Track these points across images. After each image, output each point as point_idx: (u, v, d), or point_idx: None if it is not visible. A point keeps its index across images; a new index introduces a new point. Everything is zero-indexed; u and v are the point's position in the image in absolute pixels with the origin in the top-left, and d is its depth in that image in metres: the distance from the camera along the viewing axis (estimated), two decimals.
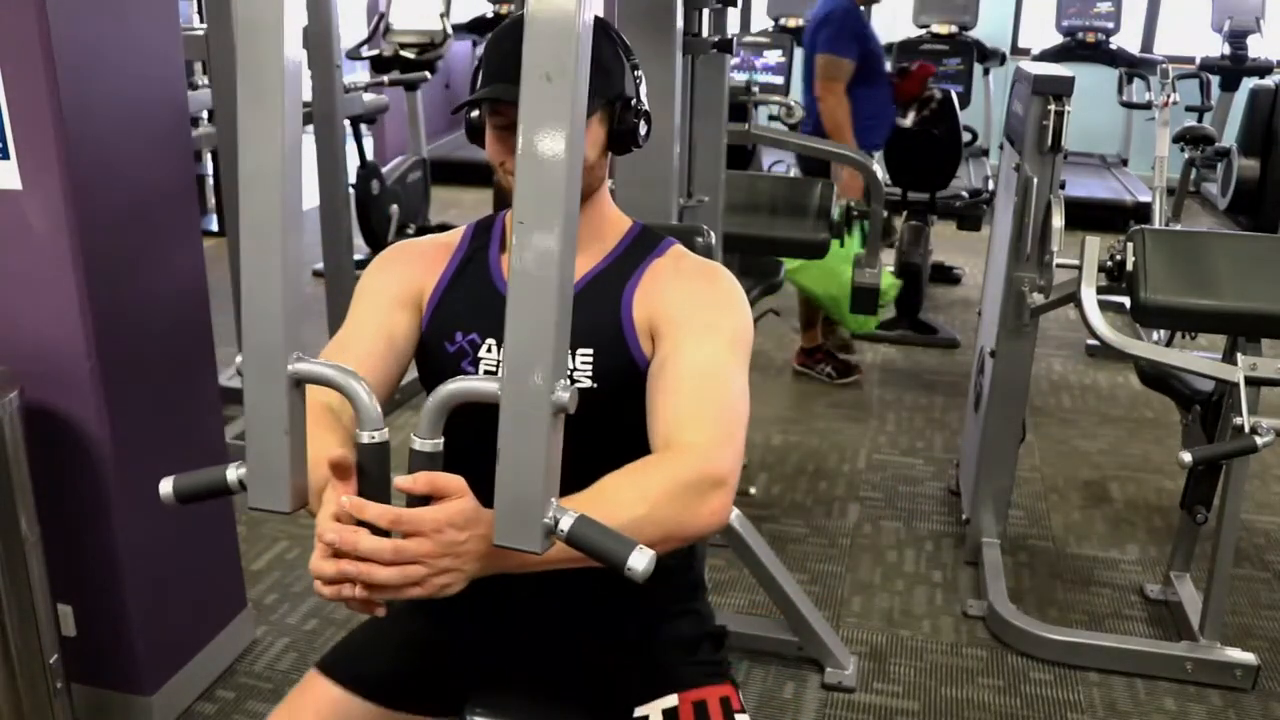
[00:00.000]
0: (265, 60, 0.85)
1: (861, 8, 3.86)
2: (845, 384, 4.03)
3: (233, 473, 0.95)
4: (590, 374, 1.24)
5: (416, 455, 0.90)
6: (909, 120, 4.23)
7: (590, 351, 1.24)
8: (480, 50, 1.27)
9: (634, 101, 1.25)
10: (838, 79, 3.77)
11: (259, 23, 0.84)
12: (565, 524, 0.87)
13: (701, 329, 1.21)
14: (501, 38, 1.22)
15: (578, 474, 1.26)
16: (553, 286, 0.82)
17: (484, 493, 1.23)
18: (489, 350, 1.27)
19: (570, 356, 1.23)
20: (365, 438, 0.90)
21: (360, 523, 0.89)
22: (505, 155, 1.22)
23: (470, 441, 1.26)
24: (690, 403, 1.14)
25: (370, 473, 0.91)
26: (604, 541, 0.87)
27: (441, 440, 0.90)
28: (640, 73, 1.28)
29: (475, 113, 1.26)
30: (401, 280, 1.31)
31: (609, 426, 1.23)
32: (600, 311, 1.25)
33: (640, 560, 0.86)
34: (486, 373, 1.26)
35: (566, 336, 0.85)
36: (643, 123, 1.26)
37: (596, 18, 1.18)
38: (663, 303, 1.24)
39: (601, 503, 0.93)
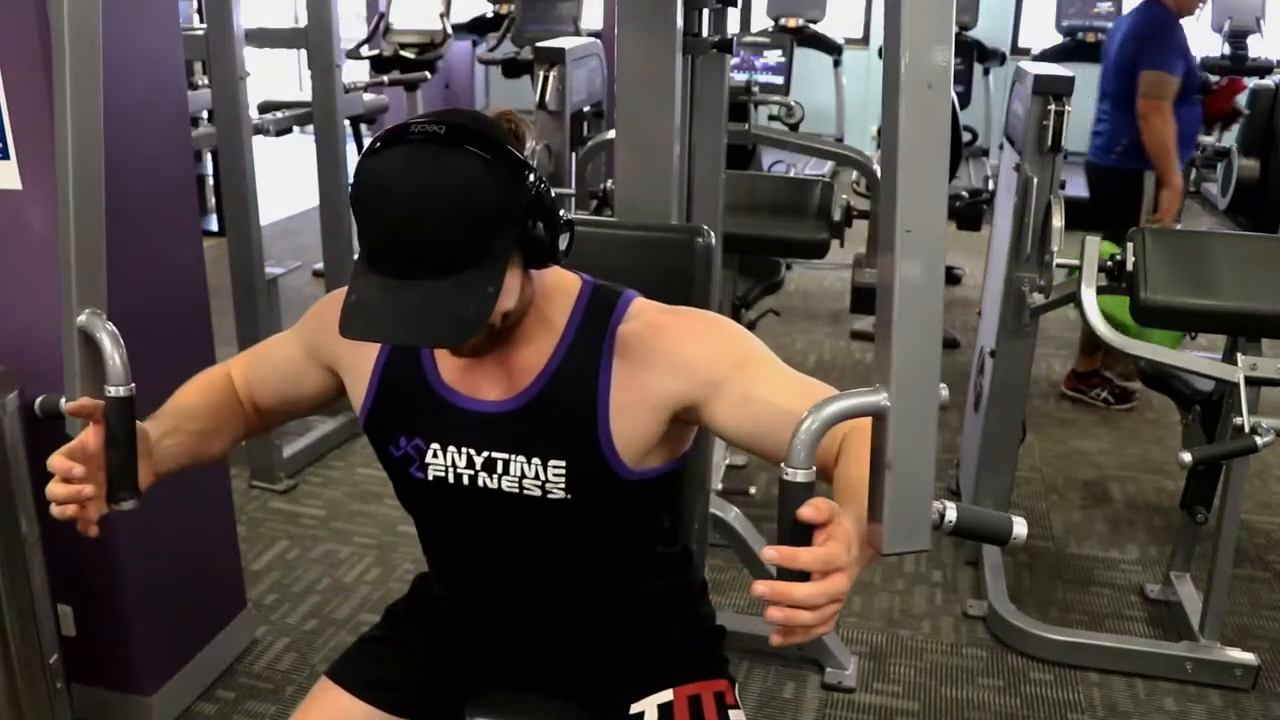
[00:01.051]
0: (63, 19, 1.01)
1: (1179, 19, 3.62)
2: (1123, 409, 3.87)
3: (64, 402, 1.12)
4: (563, 485, 1.17)
5: (791, 486, 0.84)
6: (1213, 137, 4.04)
7: (562, 464, 1.16)
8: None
9: (541, 224, 1.07)
10: (1165, 97, 3.48)
11: None
12: (951, 515, 0.87)
13: (739, 365, 1.13)
14: (376, 212, 1.04)
15: (555, 578, 1.27)
16: (936, 295, 0.82)
17: (492, 579, 1.24)
18: (434, 455, 1.20)
19: (542, 468, 1.17)
20: (111, 391, 1.07)
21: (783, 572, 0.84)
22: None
23: (459, 532, 1.27)
24: (801, 409, 0.97)
25: (113, 422, 1.07)
26: (986, 522, 0.91)
27: (814, 470, 0.84)
28: (544, 183, 1.10)
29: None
30: (329, 342, 1.22)
31: (585, 535, 1.23)
32: (569, 421, 1.16)
33: (1021, 529, 0.90)
34: (436, 478, 1.21)
35: (940, 334, 0.84)
36: (560, 235, 1.10)
37: (476, 138, 1.04)
38: (671, 382, 1.14)
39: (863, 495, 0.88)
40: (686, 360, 1.14)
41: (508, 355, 1.18)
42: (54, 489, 1.07)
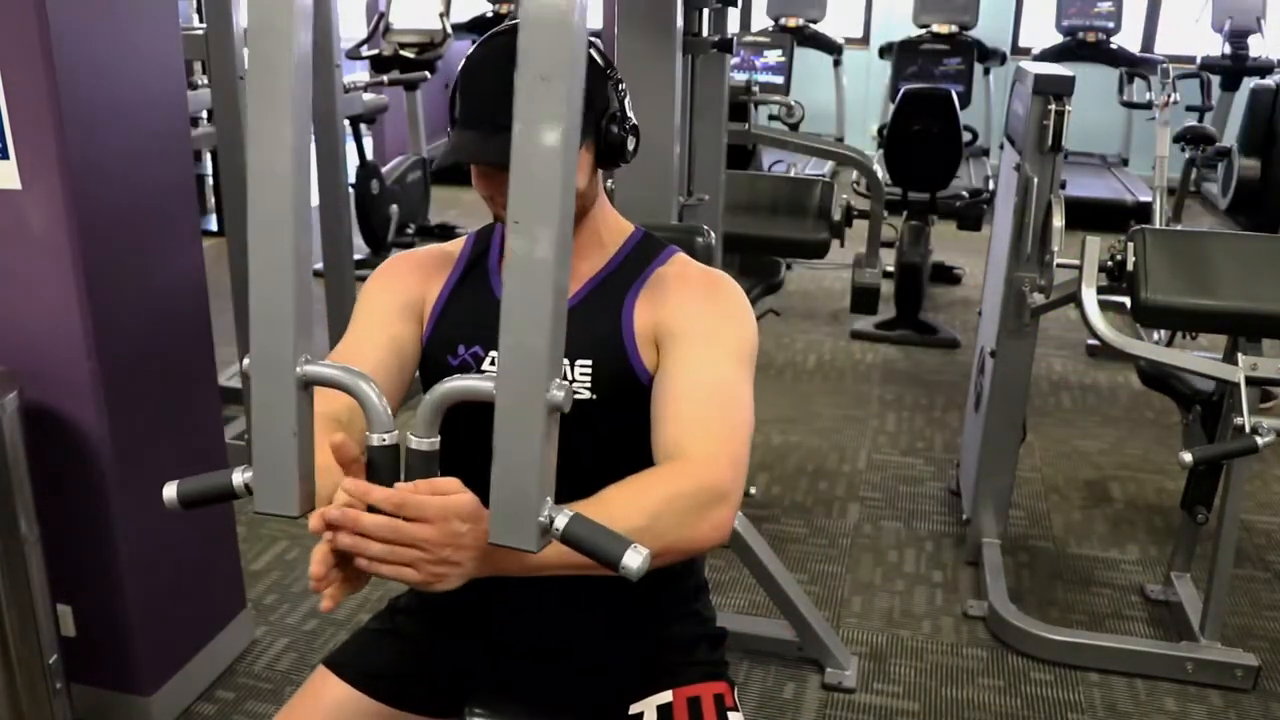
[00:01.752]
0: (275, 61, 0.84)
1: None
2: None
3: (239, 476, 0.95)
4: (589, 385, 1.23)
5: (413, 454, 0.90)
6: None
7: (589, 363, 1.23)
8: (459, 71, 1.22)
9: (620, 115, 1.21)
10: None
11: (270, 24, 0.84)
12: (560, 522, 0.87)
13: (706, 340, 1.20)
14: (474, 74, 1.17)
15: (578, 485, 1.26)
16: (547, 285, 0.82)
17: (483, 494, 1.24)
18: (492, 363, 1.25)
19: (570, 367, 1.22)
20: (375, 440, 0.90)
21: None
22: (492, 190, 1.19)
23: (469, 444, 1.27)
24: (694, 414, 1.13)
25: (382, 474, 0.91)
26: (598, 539, 0.87)
27: (438, 439, 0.90)
28: (624, 86, 1.24)
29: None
30: (403, 291, 1.31)
31: (608, 438, 1.23)
32: (600, 322, 1.24)
33: (634, 559, 0.86)
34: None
35: (562, 335, 0.85)
36: (630, 137, 1.23)
37: None
38: (666, 313, 1.23)
39: (600, 512, 0.92)
40: (679, 306, 1.23)
41: None
42: (326, 562, 0.92)
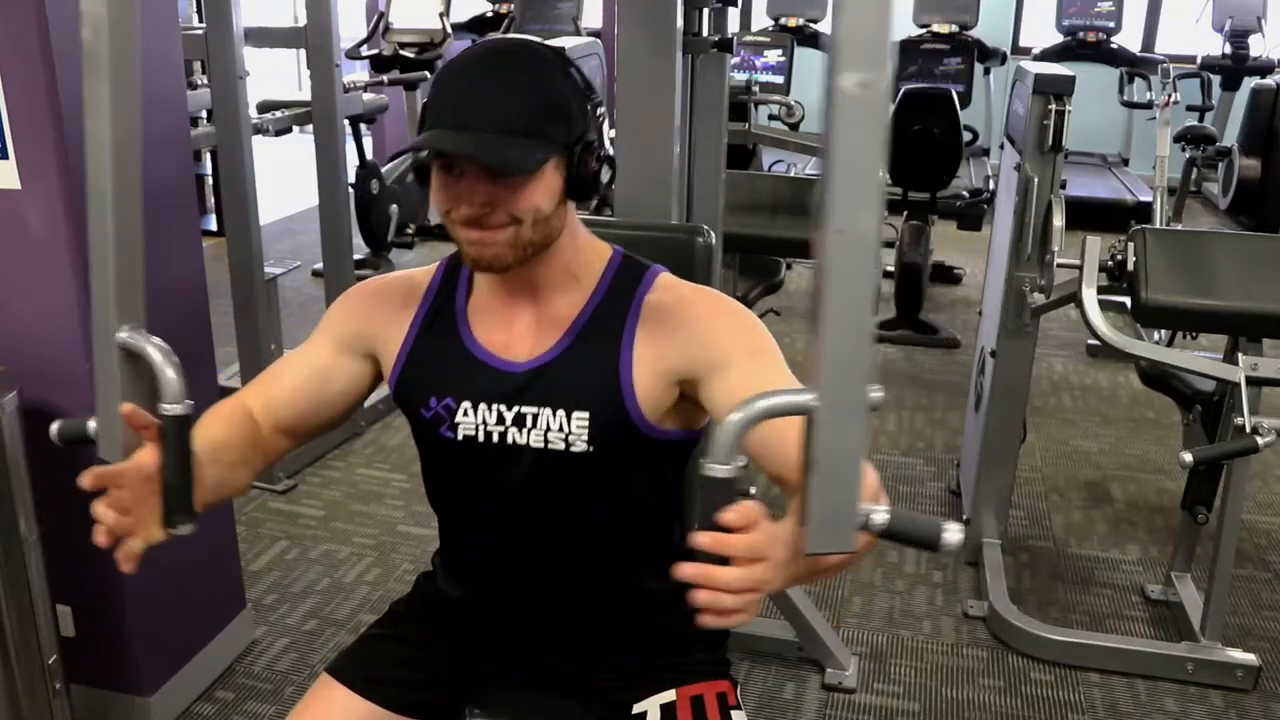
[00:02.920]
0: (101, 32, 0.92)
1: None
2: None
3: (91, 424, 1.07)
4: (586, 437, 1.19)
5: (712, 481, 0.85)
6: None
7: (585, 415, 1.19)
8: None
9: (595, 145, 1.15)
10: None
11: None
12: (878, 519, 0.85)
13: (751, 356, 1.15)
14: (451, 77, 1.13)
15: (573, 538, 1.27)
16: (866, 292, 0.79)
17: (507, 555, 1.23)
18: (465, 414, 1.22)
19: (566, 419, 1.19)
20: (166, 409, 1.01)
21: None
22: (452, 203, 1.12)
23: (481, 503, 1.27)
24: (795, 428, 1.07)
25: (171, 441, 1.02)
26: (916, 527, 0.87)
27: (742, 463, 0.85)
28: (603, 112, 1.19)
29: (424, 152, 1.16)
30: (359, 325, 1.28)
31: (606, 490, 1.24)
32: (594, 369, 1.19)
33: (954, 535, 0.86)
34: (465, 437, 1.22)
35: (874, 333, 0.82)
36: (605, 168, 1.18)
37: (556, 52, 1.16)
38: (691, 349, 1.17)
39: None
40: (701, 337, 1.18)
41: (538, 311, 1.22)
42: (104, 514, 1.04)
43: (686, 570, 0.85)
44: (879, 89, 0.76)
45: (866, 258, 0.79)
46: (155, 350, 1.02)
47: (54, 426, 1.10)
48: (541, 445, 1.20)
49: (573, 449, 1.20)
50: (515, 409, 1.21)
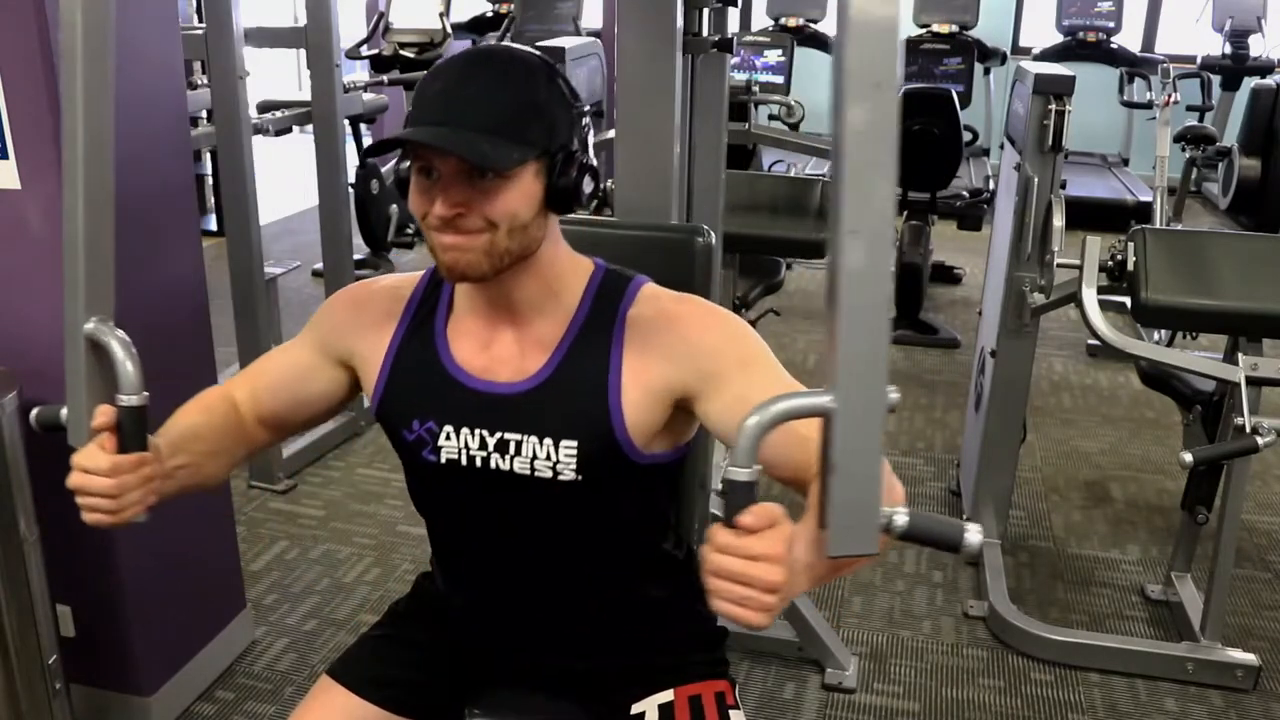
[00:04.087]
0: (75, 28, 0.97)
1: None
2: None
3: (64, 411, 1.11)
4: (574, 466, 1.17)
5: (735, 485, 0.85)
6: None
7: (574, 444, 1.16)
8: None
9: (577, 155, 1.12)
10: None
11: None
12: (900, 521, 0.85)
13: (745, 364, 1.14)
14: (433, 77, 1.11)
15: (563, 565, 1.27)
16: (881, 290, 0.79)
17: (500, 568, 1.24)
18: (448, 438, 1.20)
19: (554, 448, 1.17)
20: (123, 400, 1.05)
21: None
22: (428, 206, 1.09)
23: (475, 519, 1.26)
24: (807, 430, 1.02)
25: (126, 431, 1.06)
26: (938, 528, 0.88)
27: (759, 469, 0.84)
28: (588, 121, 1.16)
29: (405, 164, 1.13)
30: (339, 335, 1.27)
31: (596, 517, 1.23)
32: (582, 396, 1.17)
33: (974, 536, 0.87)
34: (449, 460, 1.21)
35: (889, 333, 0.81)
36: (587, 178, 1.14)
37: (542, 59, 1.13)
38: (683, 364, 1.15)
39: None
40: (693, 350, 1.15)
41: (518, 332, 1.19)
42: (92, 498, 1.07)
43: (708, 569, 0.86)
44: (890, 91, 0.76)
45: (881, 257, 0.78)
46: (116, 343, 1.06)
47: (33, 412, 1.15)
48: (528, 473, 1.18)
49: (560, 477, 1.18)
50: (498, 434, 1.18)
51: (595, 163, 1.16)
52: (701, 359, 1.15)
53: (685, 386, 1.15)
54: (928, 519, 0.87)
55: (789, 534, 0.85)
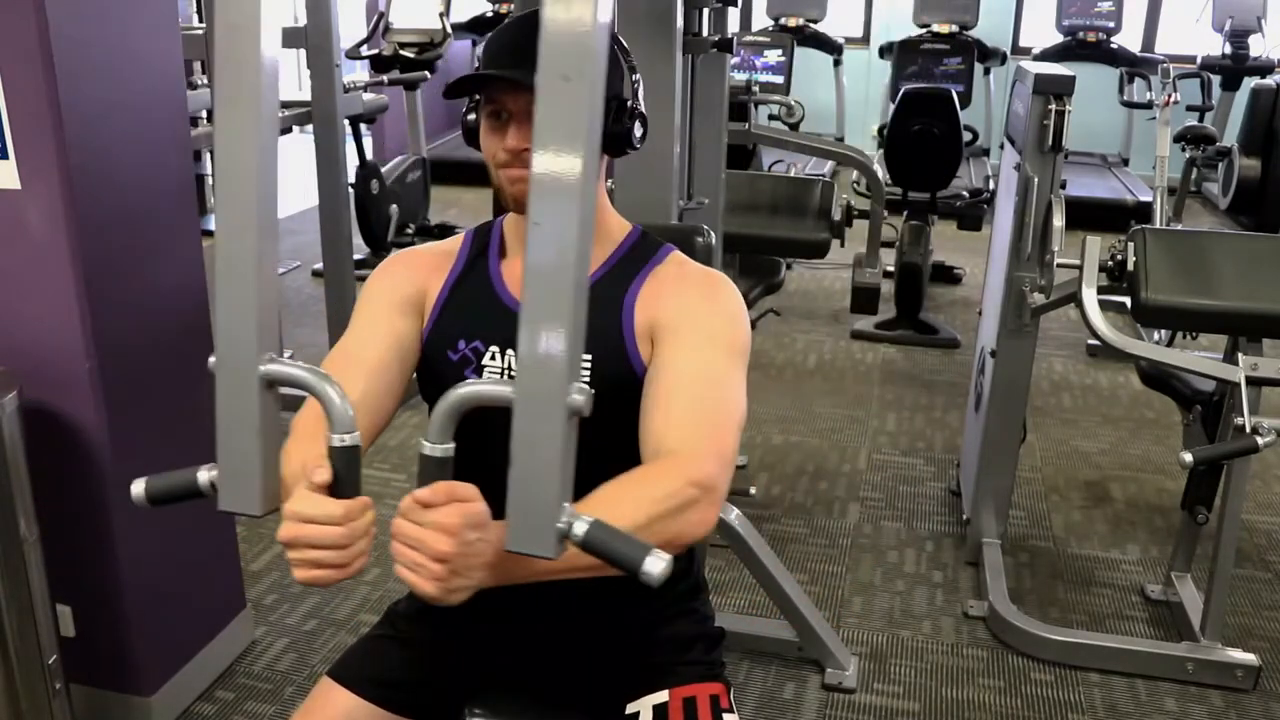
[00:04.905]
0: (243, 61, 0.85)
1: None
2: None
3: (204, 475, 0.96)
4: (588, 380, 1.21)
5: (427, 460, 0.89)
6: None
7: (589, 358, 1.22)
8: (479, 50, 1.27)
9: (630, 104, 1.24)
10: None
11: (238, 24, 0.84)
12: (579, 529, 0.85)
13: (699, 337, 1.21)
14: (504, 29, 1.23)
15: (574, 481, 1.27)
16: (567, 287, 0.81)
17: (493, 501, 1.24)
18: (493, 358, 1.26)
19: None
20: (336, 440, 0.89)
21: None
22: (499, 148, 1.21)
23: (480, 449, 1.26)
24: (682, 410, 1.14)
25: (342, 475, 0.91)
26: (619, 546, 0.86)
27: (452, 446, 0.89)
28: (638, 76, 1.27)
29: (471, 115, 1.26)
30: (404, 286, 1.32)
31: (605, 433, 1.22)
32: (601, 317, 1.22)
33: (656, 564, 0.85)
34: (490, 379, 1.25)
35: (581, 338, 0.83)
36: (638, 125, 1.26)
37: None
38: (663, 309, 1.24)
39: (597, 513, 0.90)
40: (680, 303, 1.24)
41: None
42: (318, 552, 0.94)
43: (392, 533, 0.91)
44: (582, 79, 0.80)
45: (565, 254, 0.80)
46: (317, 378, 0.89)
47: (138, 487, 0.99)
48: None
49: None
50: None
51: (645, 110, 1.27)
52: (674, 313, 1.23)
53: (654, 329, 1.23)
54: (612, 534, 0.86)
55: (470, 512, 0.90)
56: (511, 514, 0.85)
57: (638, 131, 1.26)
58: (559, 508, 0.85)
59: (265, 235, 0.88)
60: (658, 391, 1.17)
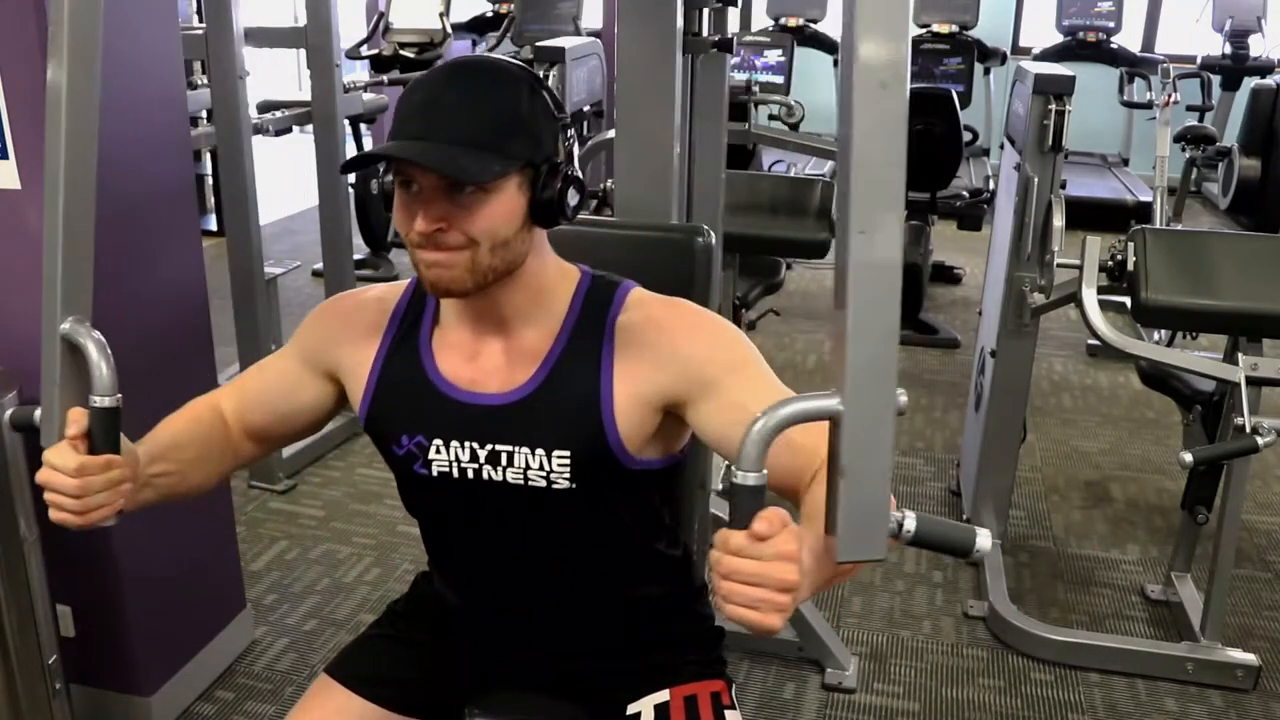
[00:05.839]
0: (62, 23, 0.99)
1: None
2: None
3: (37, 413, 1.11)
4: (568, 475, 1.17)
5: (742, 490, 0.83)
6: None
7: (566, 454, 1.16)
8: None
9: (561, 166, 1.11)
10: None
11: None
12: (910, 525, 0.84)
13: (735, 369, 1.14)
14: (414, 89, 1.10)
15: (557, 572, 1.27)
16: (893, 292, 0.78)
17: (509, 573, 1.23)
18: (438, 451, 1.20)
19: (546, 458, 1.16)
20: (95, 401, 1.04)
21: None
22: (409, 222, 1.07)
23: (471, 536, 1.26)
24: (799, 438, 0.96)
25: (96, 434, 1.04)
26: (949, 533, 0.88)
27: (766, 474, 0.82)
28: (572, 133, 1.14)
29: (389, 178, 1.11)
30: (325, 346, 1.26)
31: (590, 524, 1.23)
32: (571, 411, 1.16)
33: (985, 541, 0.88)
34: (440, 474, 1.20)
35: (897, 334, 0.80)
36: (571, 190, 1.12)
37: (525, 70, 1.12)
38: (673, 370, 1.14)
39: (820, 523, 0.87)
40: (682, 356, 1.14)
41: (507, 344, 1.19)
42: (57, 496, 1.06)
43: (719, 572, 0.84)
44: (899, 84, 0.75)
45: (890, 260, 0.77)
46: (92, 344, 1.05)
47: (7, 413, 1.16)
48: (521, 483, 1.18)
49: (554, 486, 1.17)
50: (489, 446, 1.18)
51: (581, 175, 1.14)
52: (691, 365, 1.14)
53: (675, 393, 1.15)
54: (937, 523, 0.87)
55: (799, 535, 0.84)
56: (843, 525, 0.82)
57: (571, 198, 1.12)
58: (889, 510, 0.83)
59: (74, 209, 1.03)
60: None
